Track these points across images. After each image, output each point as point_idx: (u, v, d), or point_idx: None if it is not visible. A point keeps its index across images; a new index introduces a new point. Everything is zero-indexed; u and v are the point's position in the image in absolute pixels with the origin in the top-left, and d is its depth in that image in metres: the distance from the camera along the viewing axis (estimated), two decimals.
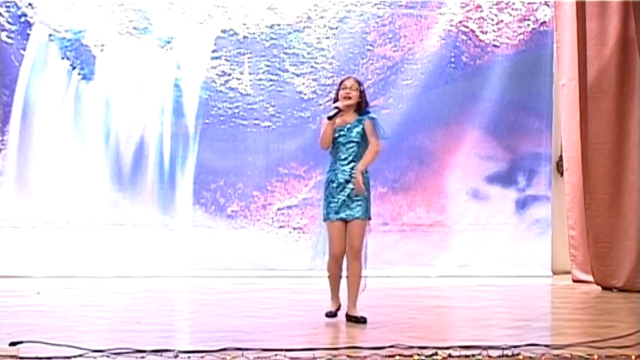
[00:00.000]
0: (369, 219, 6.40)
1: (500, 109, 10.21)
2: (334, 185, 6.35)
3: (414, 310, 7.23)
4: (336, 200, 6.32)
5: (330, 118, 6.28)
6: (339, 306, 6.52)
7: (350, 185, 6.30)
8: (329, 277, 6.47)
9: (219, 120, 9.90)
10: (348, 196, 6.31)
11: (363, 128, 6.36)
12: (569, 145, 9.65)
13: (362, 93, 6.46)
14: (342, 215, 6.30)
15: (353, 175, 6.31)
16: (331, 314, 6.45)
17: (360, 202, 6.31)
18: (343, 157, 6.35)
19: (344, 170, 6.34)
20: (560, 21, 9.90)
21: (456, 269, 10.03)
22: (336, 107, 6.33)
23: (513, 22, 10.31)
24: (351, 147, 6.34)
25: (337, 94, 6.45)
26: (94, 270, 9.41)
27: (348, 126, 6.36)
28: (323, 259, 6.47)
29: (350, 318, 6.35)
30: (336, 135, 6.36)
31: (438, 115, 10.14)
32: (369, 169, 6.41)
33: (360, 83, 6.49)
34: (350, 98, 6.37)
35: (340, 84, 6.48)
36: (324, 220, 6.39)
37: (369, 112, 6.47)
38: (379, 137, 6.38)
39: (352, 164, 6.33)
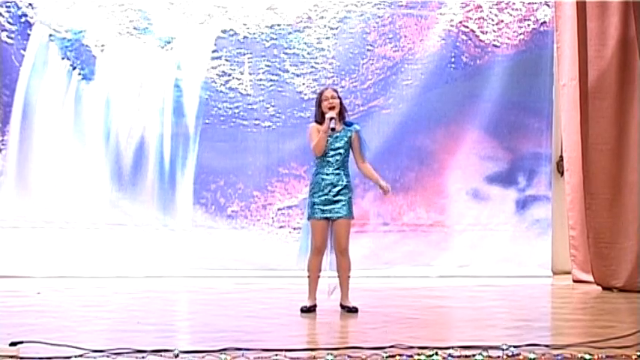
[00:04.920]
0: (353, 218, 6.91)
1: (500, 109, 10.21)
2: (320, 187, 6.81)
3: (414, 310, 7.22)
4: (321, 201, 6.79)
5: (333, 129, 6.74)
6: (315, 304, 6.86)
7: (335, 189, 6.78)
8: (308, 276, 6.90)
9: (219, 120, 9.91)
10: (332, 197, 6.79)
11: (349, 138, 6.86)
12: (570, 145, 9.65)
13: (341, 100, 6.92)
14: (327, 214, 6.78)
15: (339, 179, 6.78)
16: (307, 309, 6.81)
17: (343, 203, 6.79)
18: (329, 162, 6.82)
19: (329, 174, 6.81)
20: (560, 21, 9.90)
21: (456, 269, 10.03)
22: (331, 118, 6.75)
23: (513, 22, 10.31)
24: (337, 154, 6.83)
25: (319, 106, 6.87)
26: (94, 270, 9.42)
27: (336, 135, 6.83)
28: (306, 256, 6.92)
29: (343, 307, 6.85)
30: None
31: (438, 115, 10.14)
32: (351, 173, 6.91)
33: (336, 91, 6.94)
34: (334, 107, 6.81)
35: (320, 96, 6.90)
36: (309, 218, 6.89)
37: (352, 123, 6.95)
38: (364, 154, 6.95)
39: (336, 169, 6.82)
